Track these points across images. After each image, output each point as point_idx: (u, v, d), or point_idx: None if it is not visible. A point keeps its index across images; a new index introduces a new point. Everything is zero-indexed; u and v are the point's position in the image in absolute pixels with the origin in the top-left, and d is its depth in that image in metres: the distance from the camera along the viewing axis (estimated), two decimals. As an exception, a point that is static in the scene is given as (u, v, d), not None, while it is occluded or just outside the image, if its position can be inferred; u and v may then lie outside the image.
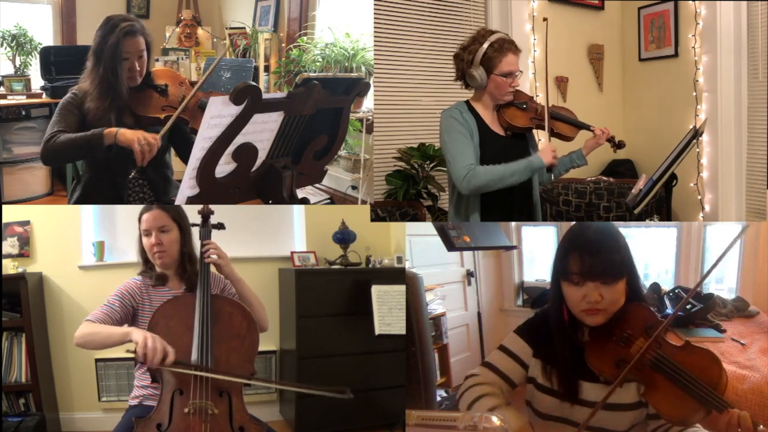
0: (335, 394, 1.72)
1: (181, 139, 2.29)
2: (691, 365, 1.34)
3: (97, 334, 1.79)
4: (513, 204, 2.43)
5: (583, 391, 1.48)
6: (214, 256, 1.94)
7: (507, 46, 2.31)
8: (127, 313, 1.95)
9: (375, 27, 3.47)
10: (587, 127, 2.46)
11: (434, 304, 3.30)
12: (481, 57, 2.30)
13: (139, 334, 1.69)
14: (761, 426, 1.38)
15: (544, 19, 2.51)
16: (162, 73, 2.30)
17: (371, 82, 3.47)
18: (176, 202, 1.89)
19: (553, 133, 2.44)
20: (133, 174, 2.16)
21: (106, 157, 2.17)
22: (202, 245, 1.97)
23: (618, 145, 2.48)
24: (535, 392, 1.56)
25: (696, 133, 2.31)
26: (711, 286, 3.47)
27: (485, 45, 2.30)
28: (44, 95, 4.18)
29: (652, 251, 3.73)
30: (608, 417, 1.44)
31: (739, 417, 1.27)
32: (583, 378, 1.48)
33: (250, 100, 1.75)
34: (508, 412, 1.45)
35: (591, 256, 1.42)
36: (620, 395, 1.44)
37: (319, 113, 1.99)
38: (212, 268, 1.98)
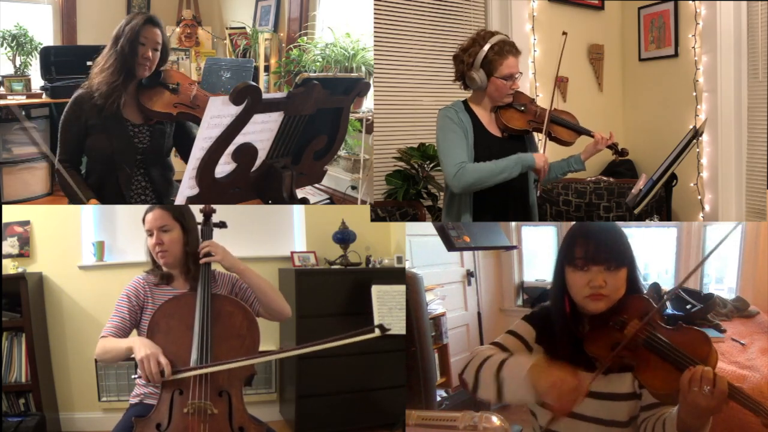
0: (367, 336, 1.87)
1: (184, 137, 2.31)
2: (681, 343, 1.39)
3: (109, 352, 1.85)
4: (508, 206, 2.41)
5: None
6: (206, 250, 1.94)
7: (507, 48, 2.29)
8: (136, 316, 1.97)
9: (375, 27, 3.47)
10: (587, 133, 2.41)
11: (434, 304, 3.30)
12: (482, 60, 2.28)
13: (139, 352, 1.72)
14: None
15: (564, 33, 2.44)
16: (174, 73, 2.33)
17: (371, 82, 3.47)
18: (176, 203, 1.89)
19: (551, 137, 2.40)
20: (136, 175, 2.17)
21: (110, 156, 2.19)
22: (200, 246, 1.97)
23: (620, 153, 2.41)
24: None
25: (696, 133, 2.31)
26: (711, 286, 3.46)
27: (486, 47, 2.28)
28: (44, 95, 4.17)
29: (652, 251, 3.73)
30: (606, 407, 1.46)
31: (702, 372, 1.29)
32: (581, 369, 1.49)
33: (250, 100, 1.75)
34: (522, 357, 1.48)
35: (596, 242, 1.50)
36: (616, 385, 1.46)
37: (318, 113, 1.99)
38: (217, 267, 1.98)
